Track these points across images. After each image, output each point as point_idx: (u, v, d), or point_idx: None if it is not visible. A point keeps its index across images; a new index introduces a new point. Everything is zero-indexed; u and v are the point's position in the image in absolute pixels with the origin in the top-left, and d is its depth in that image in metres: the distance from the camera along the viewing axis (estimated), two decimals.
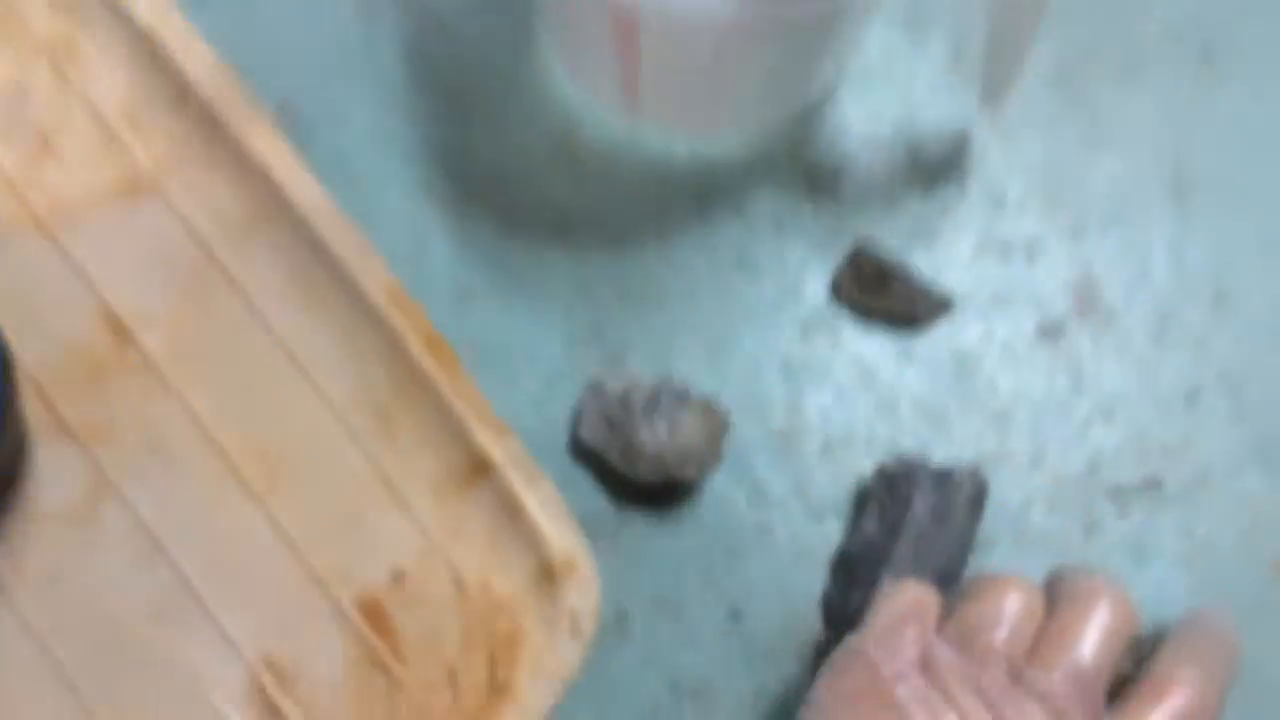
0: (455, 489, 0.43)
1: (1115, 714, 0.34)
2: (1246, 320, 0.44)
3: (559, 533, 0.42)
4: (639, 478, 0.42)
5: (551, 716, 0.41)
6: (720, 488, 0.43)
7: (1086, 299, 0.45)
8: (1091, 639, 0.34)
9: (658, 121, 0.45)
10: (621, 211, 0.46)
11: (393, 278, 0.44)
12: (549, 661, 0.41)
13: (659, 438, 0.42)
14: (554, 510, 0.42)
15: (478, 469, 0.43)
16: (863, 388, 0.44)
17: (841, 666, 0.34)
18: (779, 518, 0.43)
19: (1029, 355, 0.44)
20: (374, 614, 0.43)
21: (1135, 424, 0.44)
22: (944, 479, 0.40)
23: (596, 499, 0.44)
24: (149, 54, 0.45)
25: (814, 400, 0.44)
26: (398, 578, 0.43)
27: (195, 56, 0.45)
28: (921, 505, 0.39)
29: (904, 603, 0.35)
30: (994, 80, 0.41)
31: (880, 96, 0.46)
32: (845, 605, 0.40)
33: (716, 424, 0.42)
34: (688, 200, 0.46)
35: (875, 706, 0.32)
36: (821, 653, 0.42)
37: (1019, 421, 0.44)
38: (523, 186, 0.46)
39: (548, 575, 0.42)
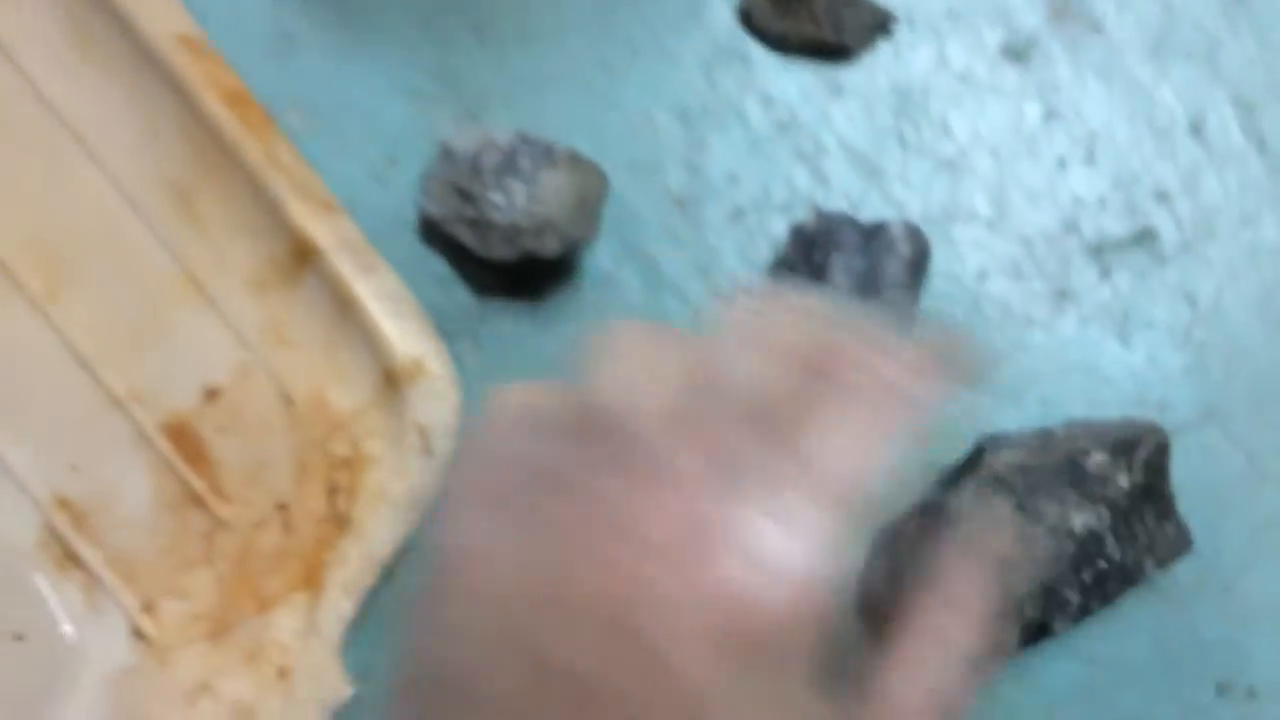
0: (277, 284, 0.35)
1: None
2: (1268, 26, 0.35)
3: (402, 331, 0.34)
4: (492, 256, 0.33)
5: (406, 549, 0.34)
6: (603, 268, 0.35)
7: (1065, 4, 0.35)
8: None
9: None
10: None
11: (187, 21, 0.35)
12: (396, 487, 0.34)
13: (514, 203, 0.33)
14: (396, 303, 0.34)
15: (302, 257, 0.34)
16: (780, 135, 0.35)
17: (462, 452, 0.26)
18: (677, 302, 0.35)
19: (990, 83, 0.35)
20: (185, 440, 0.35)
21: (1124, 164, 0.34)
22: (873, 237, 0.31)
23: (453, 289, 0.35)
24: None
25: (719, 153, 0.35)
26: (212, 396, 0.35)
27: None
28: (843, 270, 0.31)
29: (511, 401, 0.24)
30: None
31: None
32: None
33: (591, 184, 0.33)
34: None
35: (489, 499, 0.23)
36: None
37: (977, 168, 0.35)
38: None
39: (391, 383, 0.34)
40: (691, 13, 0.36)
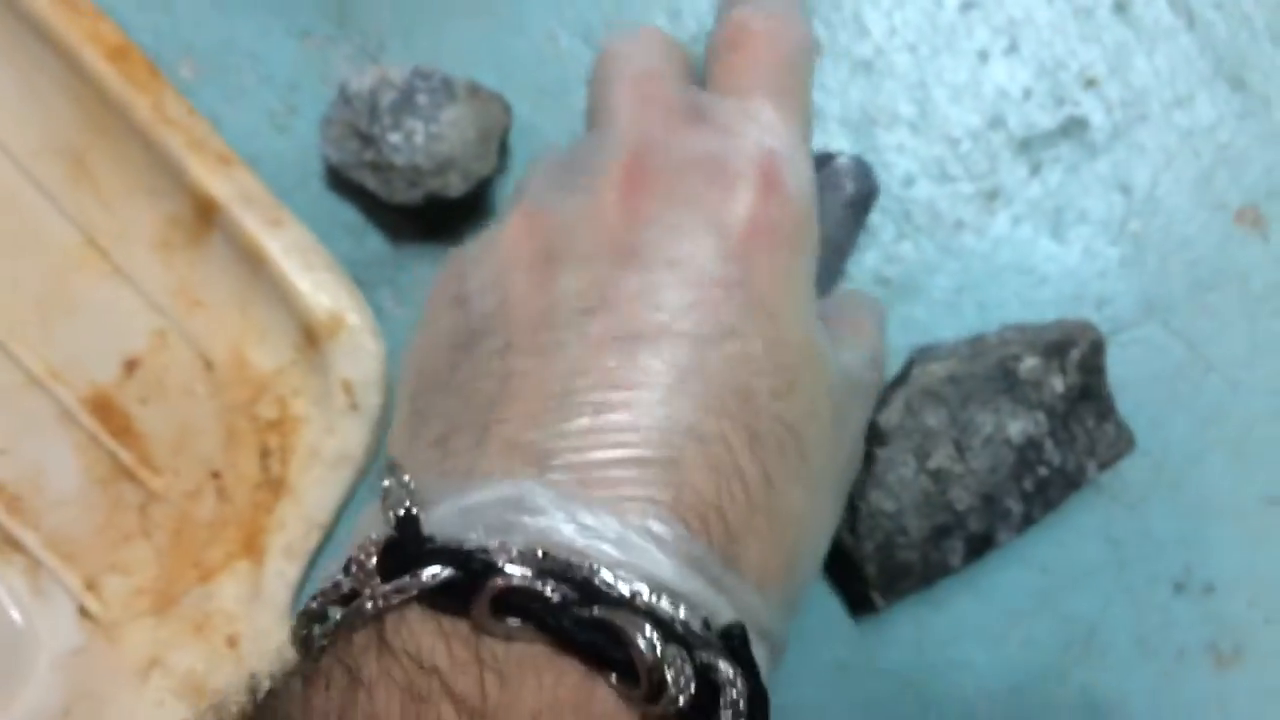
0: (183, 245, 0.34)
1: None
2: None
3: (317, 285, 0.33)
4: (397, 200, 0.32)
5: (348, 508, 0.33)
6: None
7: None
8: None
9: None
10: None
11: None
12: (328, 445, 0.33)
13: (413, 143, 0.31)
14: (307, 256, 0.33)
15: (205, 215, 0.33)
16: (690, 46, 0.33)
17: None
18: None
19: None
20: (108, 414, 0.34)
21: (1048, 50, 0.33)
22: (817, 169, 0.30)
23: (366, 237, 0.34)
24: None
25: None
26: (131, 367, 0.34)
27: None
28: None
29: None
30: None
31: None
32: None
33: (493, 116, 0.32)
34: None
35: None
36: None
37: (895, 67, 0.33)
38: None
39: (311, 340, 0.33)
40: None
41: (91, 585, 0.34)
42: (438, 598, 0.20)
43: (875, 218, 0.32)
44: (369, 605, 0.21)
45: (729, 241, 0.23)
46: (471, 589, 0.20)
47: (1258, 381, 0.31)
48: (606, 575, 0.20)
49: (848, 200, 0.30)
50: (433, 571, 0.20)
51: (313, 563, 0.33)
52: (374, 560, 0.21)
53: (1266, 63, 0.32)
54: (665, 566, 0.21)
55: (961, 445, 0.29)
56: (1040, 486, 0.30)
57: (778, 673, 0.23)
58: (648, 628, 0.19)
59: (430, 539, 0.21)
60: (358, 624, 0.21)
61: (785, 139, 0.25)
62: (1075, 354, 0.29)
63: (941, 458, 0.29)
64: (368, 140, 0.32)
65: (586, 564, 0.20)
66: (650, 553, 0.21)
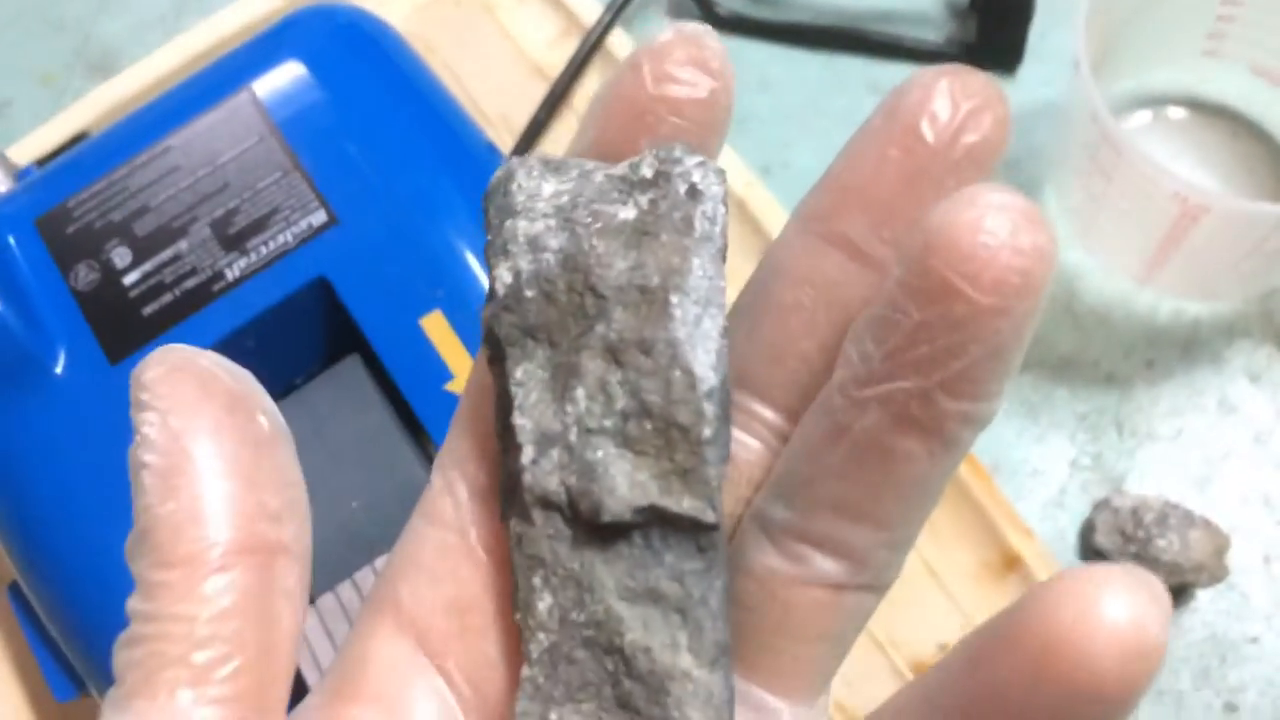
0: (991, 579, 0.53)
1: None
2: None
3: None
4: None
5: None
6: (1213, 599, 0.52)
7: None
8: None
9: (1165, 289, 0.55)
10: (1115, 357, 0.56)
11: None
12: None
13: (1173, 548, 0.50)
14: None
15: (1009, 563, 0.52)
16: None
17: None
18: (1270, 629, 0.51)
19: None
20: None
21: None
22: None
23: None
24: None
25: None
26: (941, 648, 0.52)
27: None
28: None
29: None
30: None
31: None
32: None
33: (1221, 542, 0.51)
34: (1172, 351, 0.55)
35: None
36: None
37: None
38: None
39: None
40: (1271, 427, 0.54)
41: None
42: None
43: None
44: None
45: None
46: None
47: None
48: None
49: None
50: None
51: None
52: None
53: None
54: None
55: None
56: None
57: None
58: None
59: None
60: None
61: None
62: None
63: None
64: (1130, 538, 0.51)
65: None
66: None
